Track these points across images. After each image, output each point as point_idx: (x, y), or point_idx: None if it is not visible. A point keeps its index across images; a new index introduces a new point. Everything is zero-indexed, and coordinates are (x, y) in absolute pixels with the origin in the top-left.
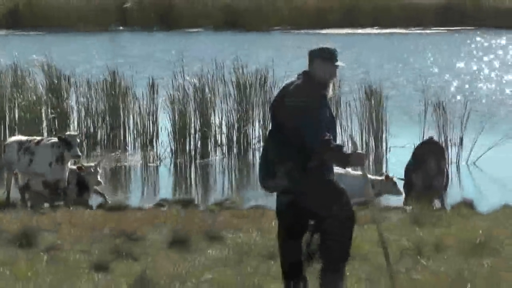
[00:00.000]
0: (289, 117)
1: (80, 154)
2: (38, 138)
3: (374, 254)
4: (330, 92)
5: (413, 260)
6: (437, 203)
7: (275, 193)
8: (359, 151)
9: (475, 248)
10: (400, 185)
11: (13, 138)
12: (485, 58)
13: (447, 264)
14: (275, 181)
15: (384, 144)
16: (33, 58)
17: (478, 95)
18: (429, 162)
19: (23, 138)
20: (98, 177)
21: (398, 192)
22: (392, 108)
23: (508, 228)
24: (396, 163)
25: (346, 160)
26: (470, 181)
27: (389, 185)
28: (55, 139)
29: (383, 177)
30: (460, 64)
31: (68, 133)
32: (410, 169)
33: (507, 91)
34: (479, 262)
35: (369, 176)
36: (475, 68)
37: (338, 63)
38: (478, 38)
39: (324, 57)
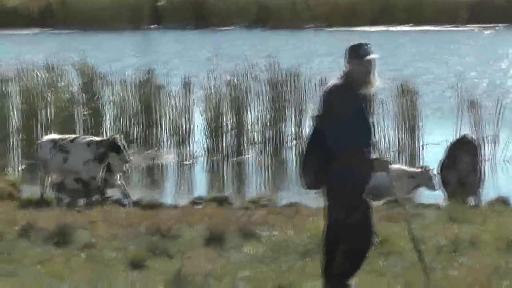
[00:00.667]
0: (330, 119)
1: (129, 159)
2: (73, 136)
3: (409, 250)
4: (371, 89)
5: (449, 257)
6: (472, 200)
7: (310, 191)
8: (383, 157)
9: (511, 245)
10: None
11: (47, 137)
12: None
13: (482, 260)
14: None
15: (418, 141)
16: (66, 56)
17: (511, 91)
18: (462, 159)
19: (56, 136)
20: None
21: (434, 186)
22: (426, 105)
23: None
24: (431, 160)
25: (369, 165)
26: (505, 178)
27: (426, 177)
28: (90, 137)
29: (421, 169)
30: (493, 61)
31: (116, 135)
32: (444, 166)
33: None
34: (504, 259)
35: (407, 168)
36: (508, 64)
37: (370, 56)
38: (510, 35)
39: (358, 55)
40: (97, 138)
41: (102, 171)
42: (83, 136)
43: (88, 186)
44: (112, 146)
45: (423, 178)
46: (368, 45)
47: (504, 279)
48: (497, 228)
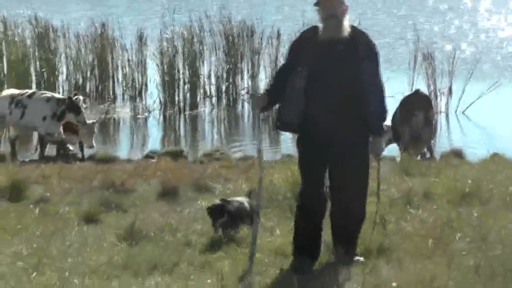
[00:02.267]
0: None
1: (87, 122)
2: (31, 91)
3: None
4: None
5: (403, 210)
6: (426, 154)
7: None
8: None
9: (464, 197)
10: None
11: (5, 92)
12: (473, 6)
13: (436, 213)
14: None
15: None
16: (19, 11)
17: (466, 43)
18: (416, 114)
19: (15, 91)
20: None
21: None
22: (381, 58)
23: (497, 177)
24: None
25: None
26: (459, 130)
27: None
28: (50, 93)
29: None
30: (448, 12)
31: (79, 96)
32: (398, 121)
33: (494, 38)
34: (468, 211)
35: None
36: (462, 15)
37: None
38: None
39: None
40: (57, 95)
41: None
42: (41, 92)
43: (43, 141)
44: (71, 106)
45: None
46: None
47: (457, 231)
48: (450, 180)
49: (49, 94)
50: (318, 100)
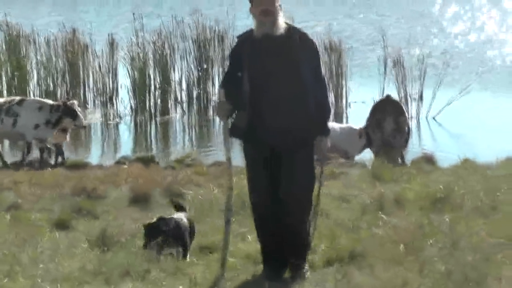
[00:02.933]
0: None
1: (85, 124)
2: (17, 98)
3: (334, 209)
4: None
5: (374, 216)
6: (398, 160)
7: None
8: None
9: (436, 203)
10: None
11: None
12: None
13: (408, 219)
14: None
15: (344, 99)
16: None
17: (436, 48)
18: (387, 120)
19: (1, 100)
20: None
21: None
22: (352, 64)
23: (468, 183)
24: (357, 118)
25: None
26: (430, 136)
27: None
28: (40, 100)
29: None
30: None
31: (74, 101)
32: (369, 127)
33: (464, 43)
34: (439, 217)
35: (355, 126)
36: (431, 20)
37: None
38: None
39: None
40: (49, 101)
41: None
42: (32, 99)
43: (30, 148)
44: (67, 111)
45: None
46: None
47: (429, 237)
48: (422, 186)
49: (40, 101)
50: (260, 102)
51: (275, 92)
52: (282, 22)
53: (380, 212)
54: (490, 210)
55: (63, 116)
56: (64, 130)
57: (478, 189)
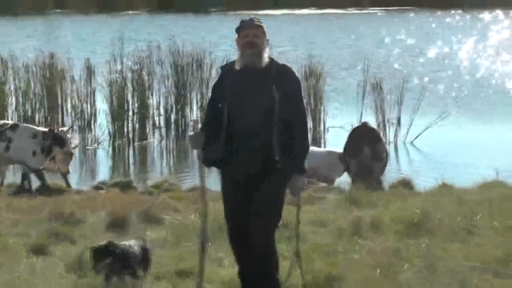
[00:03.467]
0: None
1: (74, 151)
2: (11, 123)
3: (311, 234)
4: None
5: (351, 240)
6: (376, 186)
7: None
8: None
9: (412, 228)
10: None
11: None
12: (420, 38)
13: (384, 243)
14: None
15: (322, 124)
16: None
17: (414, 74)
18: (363, 147)
19: None
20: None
21: None
22: (330, 88)
23: (445, 207)
24: (335, 143)
25: None
26: (408, 160)
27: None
28: (33, 127)
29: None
30: (397, 44)
31: (61, 128)
32: (347, 153)
33: (441, 70)
34: (416, 241)
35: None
36: (411, 47)
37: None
38: (413, 18)
39: (236, 31)
40: (42, 129)
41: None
42: (24, 125)
43: (28, 175)
44: (56, 139)
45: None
46: (249, 20)
47: (405, 261)
48: (399, 211)
49: (33, 128)
50: (236, 133)
51: (254, 125)
52: (266, 56)
53: (356, 236)
54: (466, 234)
55: (52, 144)
56: (52, 158)
57: (455, 214)
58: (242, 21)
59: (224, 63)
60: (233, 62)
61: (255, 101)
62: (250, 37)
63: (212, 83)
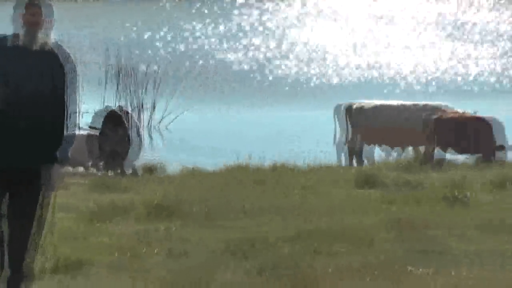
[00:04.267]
0: None
1: None
2: None
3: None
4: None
5: (91, 225)
6: (128, 169)
7: None
8: None
9: (164, 212)
10: None
11: None
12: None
13: (133, 227)
14: None
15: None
16: None
17: (174, 58)
18: (109, 130)
19: None
20: None
21: None
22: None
23: (191, 190)
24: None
25: None
26: (162, 144)
27: None
28: None
29: None
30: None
31: None
32: (100, 136)
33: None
34: (155, 225)
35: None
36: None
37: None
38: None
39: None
40: None
41: None
42: None
43: None
44: None
45: None
46: None
47: (144, 244)
48: (150, 194)
49: None
50: (9, 117)
51: (26, 107)
52: (50, 38)
53: (107, 221)
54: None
55: None
56: None
57: (205, 197)
58: None
59: None
60: (12, 36)
61: (32, 80)
62: (34, 16)
63: None
